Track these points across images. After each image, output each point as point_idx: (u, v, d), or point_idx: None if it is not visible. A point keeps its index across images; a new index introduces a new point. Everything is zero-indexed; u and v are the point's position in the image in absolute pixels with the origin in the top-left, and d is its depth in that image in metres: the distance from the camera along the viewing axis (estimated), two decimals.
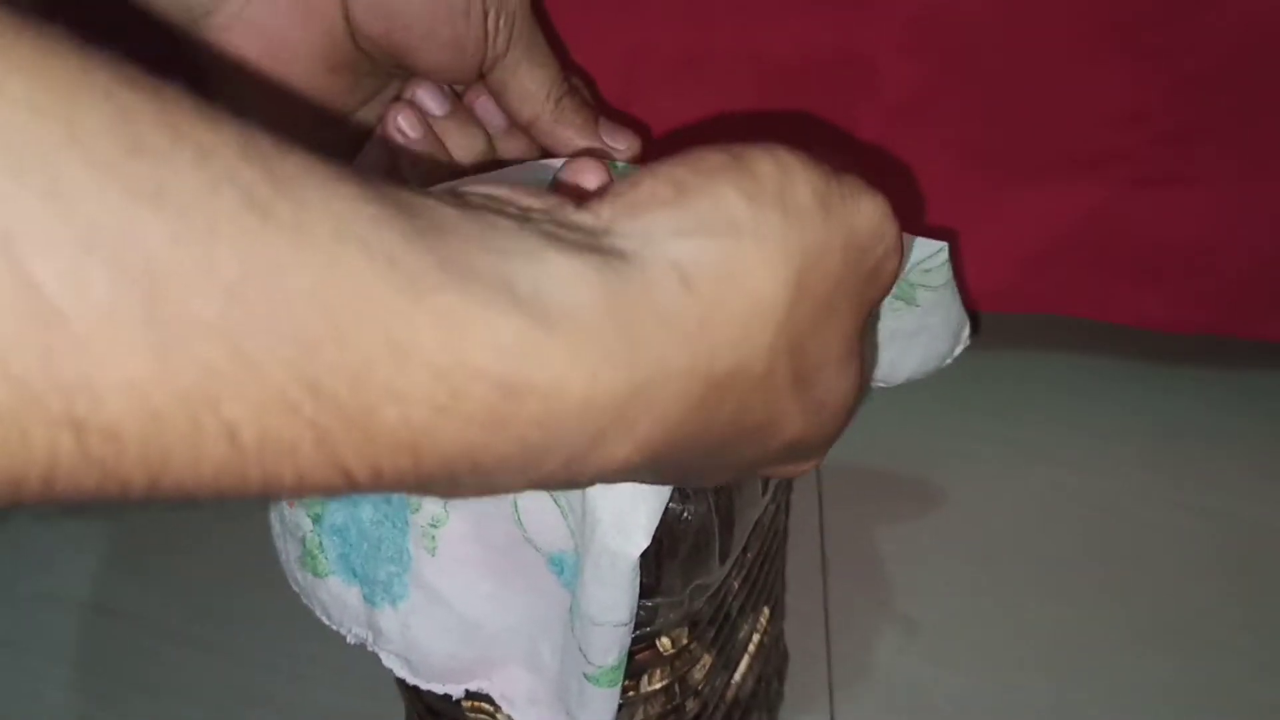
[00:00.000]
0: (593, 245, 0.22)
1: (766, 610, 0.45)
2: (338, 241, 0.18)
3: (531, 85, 0.38)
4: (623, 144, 0.40)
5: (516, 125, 0.41)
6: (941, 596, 0.57)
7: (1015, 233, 0.58)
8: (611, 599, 0.31)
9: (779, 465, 0.28)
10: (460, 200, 0.22)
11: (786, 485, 0.42)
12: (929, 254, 0.36)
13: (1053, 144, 0.54)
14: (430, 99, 0.40)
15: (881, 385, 0.43)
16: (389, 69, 0.39)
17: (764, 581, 0.43)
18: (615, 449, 0.22)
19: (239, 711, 0.55)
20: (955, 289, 0.40)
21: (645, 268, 0.22)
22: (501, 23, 0.37)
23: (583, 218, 0.23)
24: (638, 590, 0.31)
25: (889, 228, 0.26)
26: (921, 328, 0.41)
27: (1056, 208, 0.57)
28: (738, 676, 0.43)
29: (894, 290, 0.39)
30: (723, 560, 0.36)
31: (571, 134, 0.39)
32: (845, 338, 0.26)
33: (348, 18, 0.37)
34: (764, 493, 0.36)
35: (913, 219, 0.59)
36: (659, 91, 0.55)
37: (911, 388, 0.44)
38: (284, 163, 0.18)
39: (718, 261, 0.22)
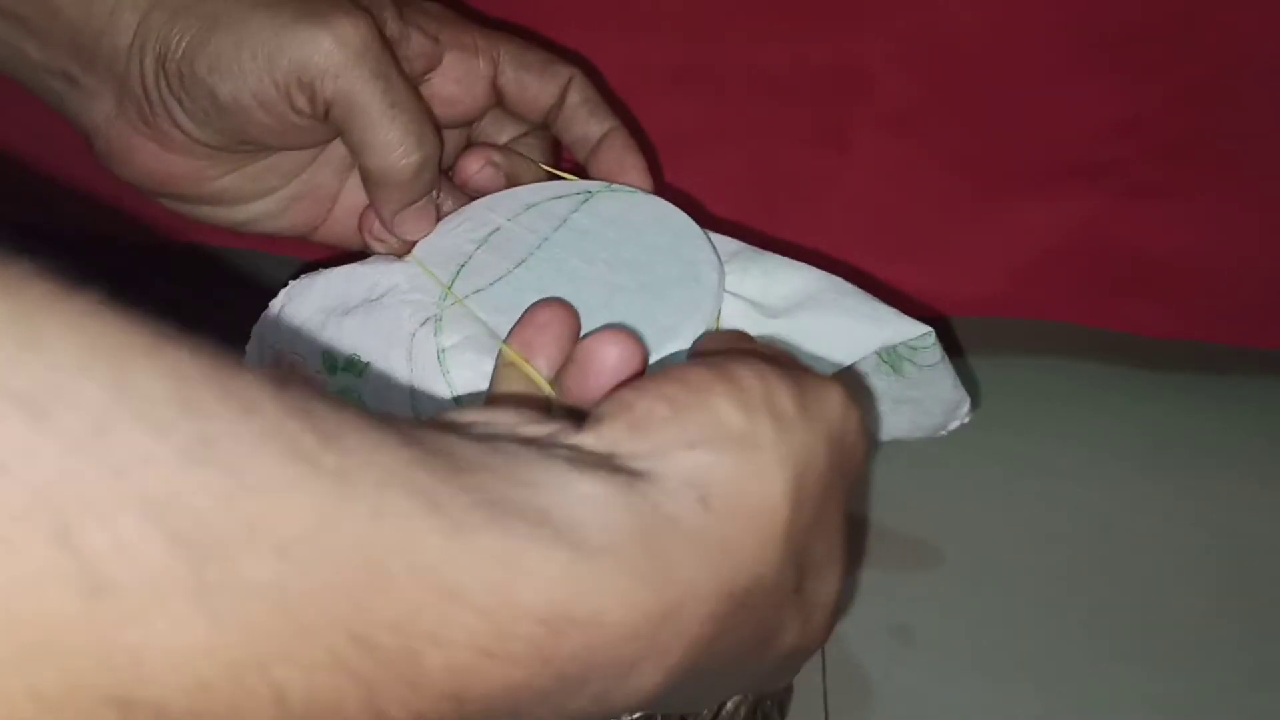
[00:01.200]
0: (612, 466, 0.22)
1: None
2: (382, 488, 0.18)
3: (362, 138, 0.36)
4: (448, 207, 0.39)
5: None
6: (935, 606, 0.57)
7: (1007, 242, 0.58)
8: None
9: (764, 681, 0.28)
10: (472, 435, 0.22)
11: None
12: (916, 334, 0.36)
13: (1045, 155, 0.54)
14: (412, 228, 0.39)
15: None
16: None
17: None
18: (646, 679, 0.22)
19: None
20: (950, 370, 0.40)
21: (664, 488, 0.22)
22: (310, 88, 0.34)
23: (586, 440, 0.23)
24: None
25: (853, 411, 0.26)
26: (909, 399, 0.41)
27: (1050, 218, 0.56)
28: (730, 706, 0.43)
29: (880, 355, 0.39)
30: None
31: (386, 199, 0.38)
32: (834, 533, 0.26)
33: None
34: None
35: (907, 228, 0.59)
36: (654, 100, 0.55)
37: None
38: (323, 411, 0.18)
39: (729, 476, 0.23)
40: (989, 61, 0.51)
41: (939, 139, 0.55)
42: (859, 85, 0.53)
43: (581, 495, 0.21)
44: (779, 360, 0.26)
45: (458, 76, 0.39)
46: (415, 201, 0.37)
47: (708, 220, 0.39)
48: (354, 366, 0.36)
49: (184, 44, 0.34)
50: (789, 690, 0.52)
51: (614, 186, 0.39)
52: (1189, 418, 0.64)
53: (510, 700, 0.20)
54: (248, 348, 0.38)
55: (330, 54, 0.34)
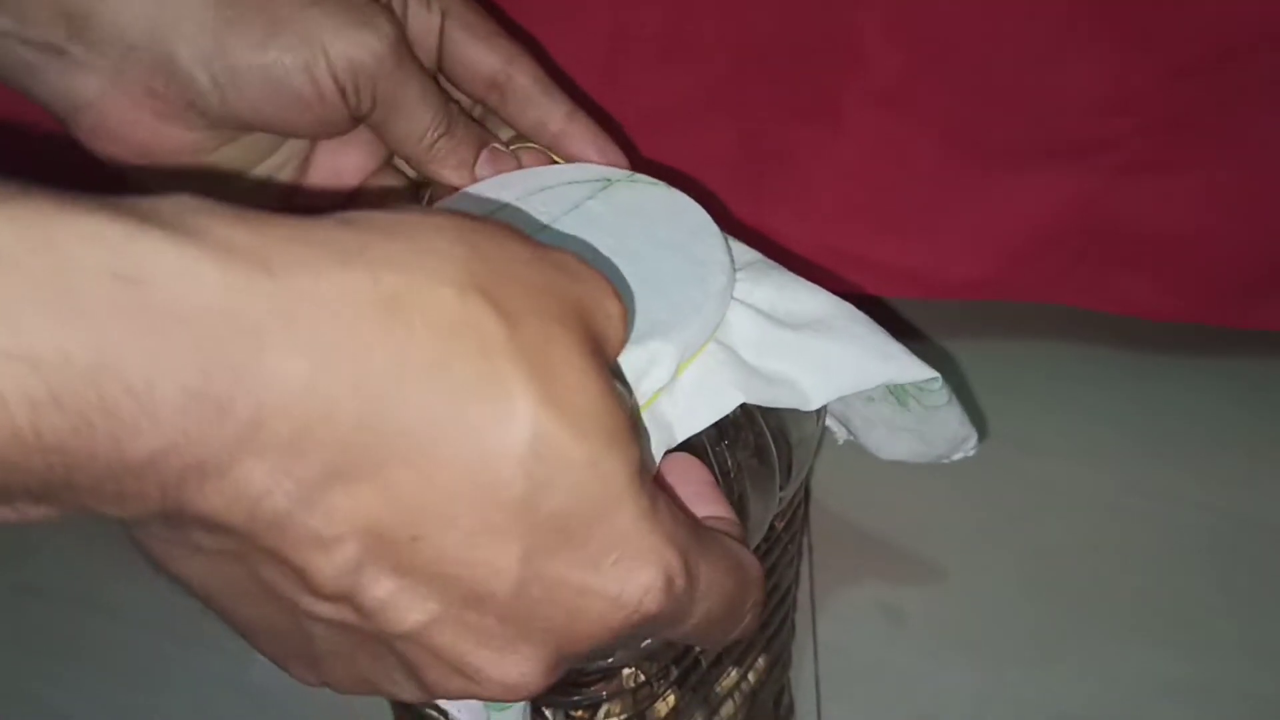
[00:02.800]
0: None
1: (762, 661, 0.44)
2: None
3: (402, 132, 0.38)
4: (499, 169, 0.39)
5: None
6: (929, 587, 0.57)
7: (1002, 221, 0.57)
8: None
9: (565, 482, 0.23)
10: None
11: (787, 543, 0.41)
12: (923, 378, 0.35)
13: (1040, 131, 0.54)
14: (492, 169, 0.39)
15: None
16: None
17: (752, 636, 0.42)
18: (285, 358, 0.20)
19: (224, 703, 0.55)
20: (957, 411, 0.39)
21: (301, 220, 0.21)
22: (360, 90, 0.36)
23: None
24: None
25: (585, 268, 0.25)
26: (910, 429, 0.40)
27: (1043, 195, 0.56)
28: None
29: (888, 386, 0.38)
30: None
31: (445, 174, 0.39)
32: (577, 342, 0.23)
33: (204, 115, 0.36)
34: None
35: (898, 205, 0.58)
36: (642, 74, 0.53)
37: None
38: None
39: (383, 220, 0.22)
40: (982, 36, 0.50)
41: (931, 114, 0.54)
42: (850, 59, 0.52)
43: (167, 202, 0.20)
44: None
45: (411, 29, 0.39)
46: (477, 151, 0.39)
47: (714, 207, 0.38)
48: None
49: (237, 33, 0.35)
50: (790, 710, 0.52)
51: (635, 176, 0.38)
52: (1185, 398, 0.64)
53: (115, 371, 0.18)
54: None
55: (382, 58, 0.36)
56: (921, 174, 0.56)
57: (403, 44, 0.36)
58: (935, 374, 0.35)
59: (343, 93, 0.36)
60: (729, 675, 0.42)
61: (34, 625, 0.58)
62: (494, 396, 0.22)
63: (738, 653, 0.41)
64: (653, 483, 0.25)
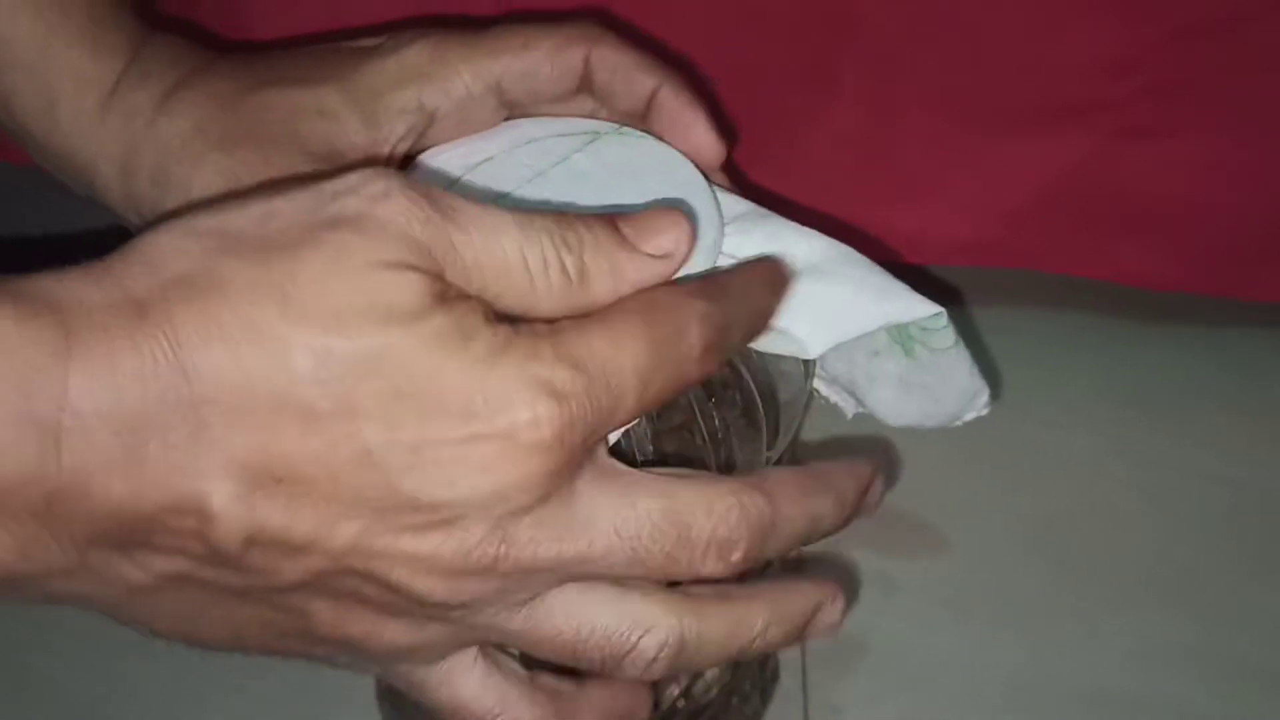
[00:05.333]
0: None
1: None
2: None
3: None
4: None
5: None
6: (919, 554, 0.57)
7: (998, 185, 0.57)
8: None
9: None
10: None
11: None
12: (927, 314, 0.34)
13: (1037, 95, 0.53)
14: None
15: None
16: None
17: None
18: (83, 392, 0.23)
19: (218, 673, 0.54)
20: (965, 356, 0.38)
21: None
22: None
23: None
24: None
25: (346, 178, 0.26)
26: (919, 384, 0.40)
27: (1042, 160, 0.55)
28: (700, 687, 0.43)
29: (890, 334, 0.38)
30: None
31: None
32: (321, 253, 0.24)
33: None
34: None
35: (896, 170, 0.57)
36: (626, 35, 0.53)
37: None
38: None
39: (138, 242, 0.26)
40: None
41: (929, 78, 0.53)
42: (845, 23, 0.52)
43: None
44: None
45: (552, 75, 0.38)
46: None
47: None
48: None
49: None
50: (774, 677, 0.52)
51: (623, 129, 0.37)
52: (1185, 367, 0.64)
53: None
54: None
55: None
56: (919, 139, 0.56)
57: None
58: (939, 309, 0.35)
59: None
60: None
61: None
62: (261, 344, 0.24)
63: None
64: (498, 324, 0.25)
